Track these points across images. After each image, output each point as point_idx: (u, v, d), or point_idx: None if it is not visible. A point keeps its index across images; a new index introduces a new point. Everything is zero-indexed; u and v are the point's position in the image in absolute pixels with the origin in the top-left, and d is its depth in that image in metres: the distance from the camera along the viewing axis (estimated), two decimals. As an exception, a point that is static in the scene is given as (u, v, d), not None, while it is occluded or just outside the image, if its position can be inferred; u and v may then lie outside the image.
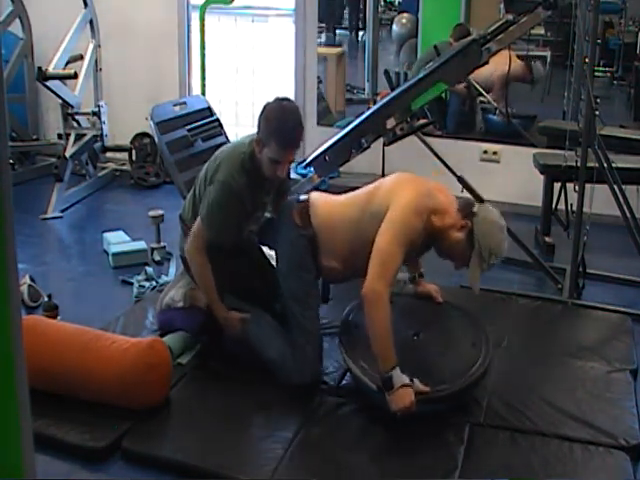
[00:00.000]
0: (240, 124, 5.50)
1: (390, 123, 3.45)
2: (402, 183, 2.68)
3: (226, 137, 4.29)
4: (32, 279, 3.52)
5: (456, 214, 2.65)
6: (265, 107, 2.73)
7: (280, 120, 2.67)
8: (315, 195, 2.92)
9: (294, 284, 2.78)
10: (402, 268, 2.98)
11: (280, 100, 2.75)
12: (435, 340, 2.81)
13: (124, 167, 5.53)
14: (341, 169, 4.24)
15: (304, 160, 4.18)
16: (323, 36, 5.75)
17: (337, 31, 6.12)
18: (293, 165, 5.03)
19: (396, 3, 6.10)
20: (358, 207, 2.76)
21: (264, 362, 2.79)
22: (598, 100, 3.41)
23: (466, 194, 3.63)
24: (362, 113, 3.67)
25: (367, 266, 2.67)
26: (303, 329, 2.76)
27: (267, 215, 3.01)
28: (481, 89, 5.13)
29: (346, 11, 6.14)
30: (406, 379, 2.43)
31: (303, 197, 2.89)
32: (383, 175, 3.81)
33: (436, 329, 2.87)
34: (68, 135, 5.09)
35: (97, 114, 5.18)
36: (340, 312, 3.07)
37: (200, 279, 2.87)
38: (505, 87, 5.07)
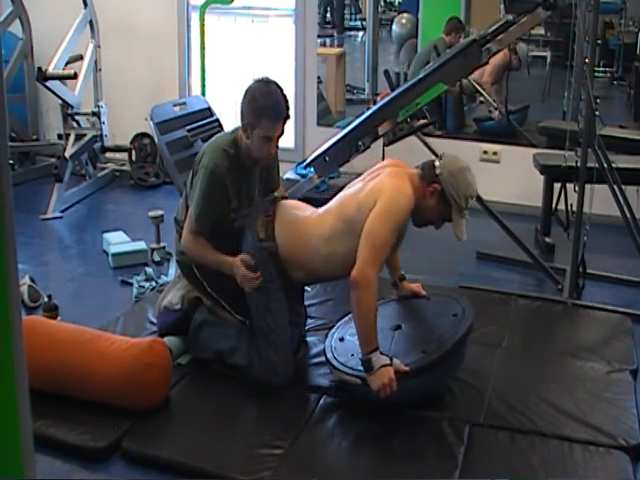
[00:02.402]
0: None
1: (382, 129, 3.45)
2: (383, 183, 2.62)
3: (226, 137, 4.28)
4: (32, 279, 3.52)
5: (421, 184, 2.63)
6: (247, 90, 2.77)
7: (265, 96, 2.71)
8: (284, 207, 2.84)
9: (258, 294, 2.76)
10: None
11: (259, 80, 2.78)
12: (416, 324, 2.84)
13: (124, 167, 5.53)
14: (341, 169, 4.24)
15: (304, 160, 4.18)
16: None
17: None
18: (293, 165, 5.04)
19: (396, 3, 6.11)
20: (329, 224, 2.70)
21: (230, 366, 2.82)
22: (598, 100, 3.41)
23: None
24: (362, 113, 3.67)
25: (338, 274, 2.70)
26: (268, 339, 2.76)
27: None
28: (478, 86, 5.13)
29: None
30: (386, 360, 2.48)
31: (269, 208, 2.82)
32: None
33: (416, 316, 2.89)
34: (68, 135, 5.09)
35: (97, 114, 5.18)
36: (340, 312, 3.07)
37: (200, 256, 2.82)
38: (497, 81, 5.08)
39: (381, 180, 2.63)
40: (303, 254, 2.74)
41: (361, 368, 2.51)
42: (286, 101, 2.75)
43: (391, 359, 2.49)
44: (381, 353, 2.49)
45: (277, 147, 2.91)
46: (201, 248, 2.82)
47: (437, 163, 2.66)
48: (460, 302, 2.82)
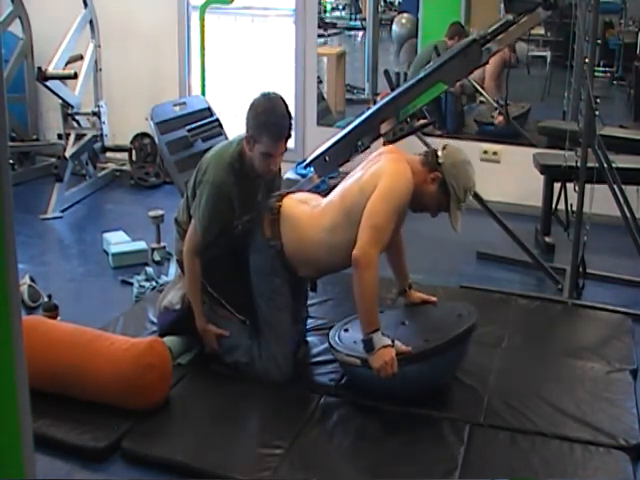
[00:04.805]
0: (240, 124, 5.48)
1: (384, 128, 3.45)
2: (382, 169, 2.64)
3: (226, 137, 4.28)
4: (32, 279, 3.52)
5: (422, 169, 2.68)
6: (252, 103, 2.75)
7: (268, 113, 2.68)
8: (288, 203, 2.83)
9: (264, 286, 2.79)
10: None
11: (266, 94, 2.75)
12: (421, 321, 2.86)
13: (124, 167, 5.53)
14: (341, 169, 4.24)
15: (304, 160, 4.18)
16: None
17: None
18: (293, 165, 5.04)
19: (396, 3, 6.10)
20: (330, 216, 2.71)
21: (231, 364, 2.83)
22: (598, 100, 3.41)
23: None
24: (362, 113, 3.67)
25: (343, 263, 2.71)
26: (272, 330, 2.78)
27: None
28: (478, 86, 5.13)
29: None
30: (387, 341, 2.51)
31: (275, 204, 2.81)
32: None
33: (422, 315, 2.91)
34: (68, 135, 5.09)
35: (97, 114, 5.18)
36: (340, 312, 3.08)
37: (187, 284, 2.90)
38: (497, 77, 5.08)
39: (381, 165, 2.66)
40: (308, 249, 2.75)
41: (363, 351, 2.54)
42: (290, 119, 2.73)
43: (393, 341, 2.52)
44: (383, 334, 2.52)
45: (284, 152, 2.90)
46: (190, 271, 2.85)
47: (440, 152, 2.70)
48: (465, 306, 2.84)
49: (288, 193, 2.94)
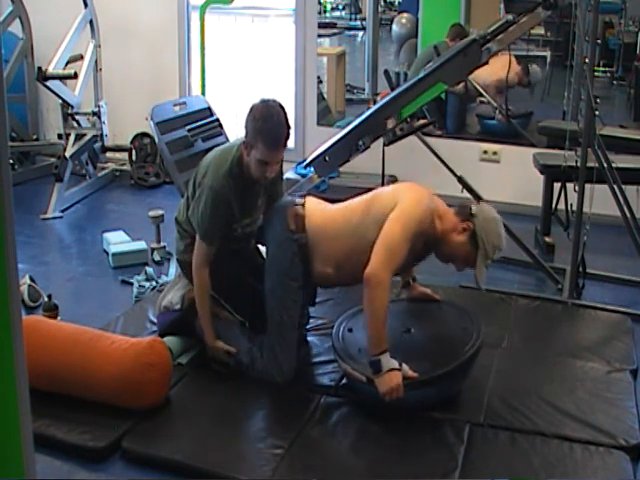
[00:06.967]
0: (240, 124, 5.47)
1: (390, 123, 3.45)
2: (405, 188, 2.73)
3: (226, 137, 4.29)
4: (32, 279, 3.52)
5: (455, 218, 2.70)
6: (250, 109, 2.72)
7: (266, 120, 2.66)
8: (312, 200, 2.88)
9: (279, 289, 2.77)
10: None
11: (265, 101, 2.73)
12: (426, 331, 2.84)
13: (124, 167, 5.53)
14: (341, 169, 4.24)
15: (304, 160, 4.18)
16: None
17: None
18: (293, 165, 5.04)
19: (396, 3, 6.10)
20: (358, 214, 2.74)
21: (233, 365, 2.83)
22: (598, 100, 3.41)
23: (466, 194, 3.65)
24: (362, 113, 3.67)
25: (362, 274, 2.68)
26: (279, 334, 2.77)
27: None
28: (480, 89, 5.13)
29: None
30: (395, 364, 2.49)
31: (299, 200, 2.85)
32: (383, 175, 3.81)
33: (427, 322, 2.90)
34: (68, 135, 5.09)
35: (97, 114, 5.18)
36: (339, 312, 3.07)
37: (197, 299, 2.86)
38: (500, 93, 5.10)
39: (404, 187, 2.74)
40: (334, 245, 2.74)
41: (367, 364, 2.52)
42: (288, 128, 2.71)
43: (400, 364, 2.49)
44: (390, 356, 2.49)
45: (281, 164, 2.90)
46: (199, 287, 2.82)
47: (474, 206, 2.73)
48: (470, 316, 2.83)
49: (310, 194, 2.95)
